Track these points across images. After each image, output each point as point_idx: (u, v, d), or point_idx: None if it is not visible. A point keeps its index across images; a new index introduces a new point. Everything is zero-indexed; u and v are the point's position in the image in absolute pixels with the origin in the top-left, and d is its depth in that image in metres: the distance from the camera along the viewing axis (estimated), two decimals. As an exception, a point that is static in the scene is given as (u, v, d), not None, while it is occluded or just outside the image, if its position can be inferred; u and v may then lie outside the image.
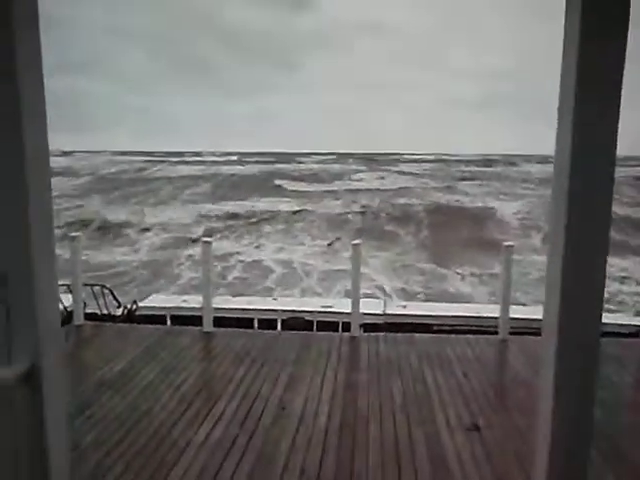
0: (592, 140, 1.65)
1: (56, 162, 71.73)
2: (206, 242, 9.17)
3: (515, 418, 5.83)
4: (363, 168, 68.48)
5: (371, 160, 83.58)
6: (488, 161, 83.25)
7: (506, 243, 8.97)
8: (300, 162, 79.65)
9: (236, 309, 10.38)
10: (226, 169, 65.34)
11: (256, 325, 10.04)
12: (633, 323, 9.25)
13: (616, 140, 1.65)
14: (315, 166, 72.03)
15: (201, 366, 7.38)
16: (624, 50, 1.62)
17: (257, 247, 26.37)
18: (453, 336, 8.68)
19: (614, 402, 6.25)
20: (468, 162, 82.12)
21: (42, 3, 2.10)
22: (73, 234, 9.38)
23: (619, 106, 1.65)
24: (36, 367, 2.39)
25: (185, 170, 63.49)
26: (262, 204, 38.71)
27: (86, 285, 10.38)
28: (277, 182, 49.53)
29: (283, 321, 9.99)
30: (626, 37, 1.62)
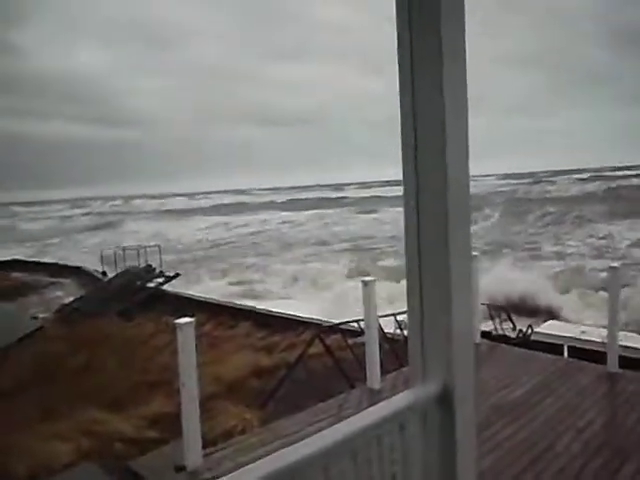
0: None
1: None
2: (614, 268, 8.32)
3: None
4: None
5: None
6: None
7: None
8: None
9: None
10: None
11: None
12: None
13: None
14: None
15: (606, 411, 6.75)
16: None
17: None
18: None
19: None
20: None
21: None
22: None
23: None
24: (449, 387, 2.40)
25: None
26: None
27: (484, 304, 10.59)
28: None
29: None
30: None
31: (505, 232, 36.74)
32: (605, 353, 8.09)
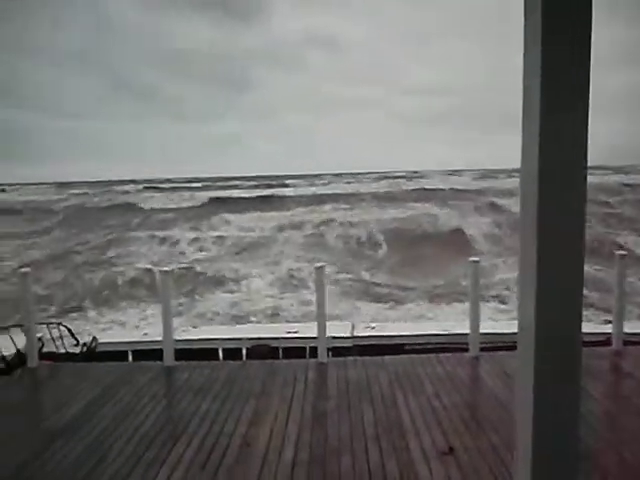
0: (562, 146, 1.50)
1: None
2: (164, 271, 8.81)
3: (490, 437, 5.61)
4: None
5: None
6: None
7: (472, 258, 8.78)
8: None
9: (198, 340, 10.00)
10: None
11: (220, 356, 9.68)
12: (603, 331, 9.13)
13: (586, 145, 1.51)
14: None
15: (162, 404, 6.98)
16: (589, 54, 1.48)
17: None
18: (424, 356, 8.45)
19: (592, 415, 6.08)
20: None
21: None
22: (22, 270, 8.94)
23: (587, 111, 1.51)
24: None
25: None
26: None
27: (41, 324, 9.96)
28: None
29: (248, 350, 9.64)
30: (590, 40, 1.47)
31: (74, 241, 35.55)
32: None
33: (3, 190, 74.70)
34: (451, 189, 54.11)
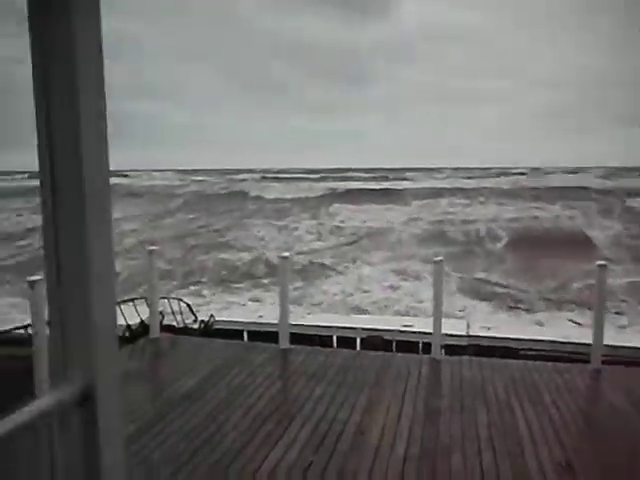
0: None
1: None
2: (284, 257, 9.00)
3: (612, 457, 5.32)
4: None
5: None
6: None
7: (598, 262, 8.26)
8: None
9: (314, 326, 10.22)
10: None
11: (335, 343, 9.85)
12: None
13: None
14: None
15: (276, 385, 7.21)
16: None
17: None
18: (540, 363, 8.12)
19: None
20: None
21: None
22: (149, 248, 9.47)
23: None
24: (91, 387, 2.24)
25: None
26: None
27: (163, 298, 10.52)
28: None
29: (362, 340, 9.75)
30: None
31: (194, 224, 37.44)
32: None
33: (126, 176, 78.91)
34: (574, 187, 51.61)
